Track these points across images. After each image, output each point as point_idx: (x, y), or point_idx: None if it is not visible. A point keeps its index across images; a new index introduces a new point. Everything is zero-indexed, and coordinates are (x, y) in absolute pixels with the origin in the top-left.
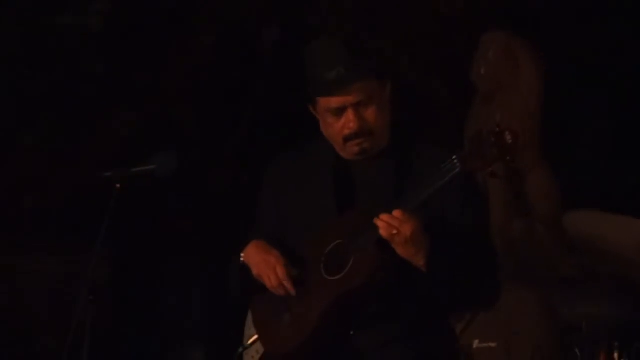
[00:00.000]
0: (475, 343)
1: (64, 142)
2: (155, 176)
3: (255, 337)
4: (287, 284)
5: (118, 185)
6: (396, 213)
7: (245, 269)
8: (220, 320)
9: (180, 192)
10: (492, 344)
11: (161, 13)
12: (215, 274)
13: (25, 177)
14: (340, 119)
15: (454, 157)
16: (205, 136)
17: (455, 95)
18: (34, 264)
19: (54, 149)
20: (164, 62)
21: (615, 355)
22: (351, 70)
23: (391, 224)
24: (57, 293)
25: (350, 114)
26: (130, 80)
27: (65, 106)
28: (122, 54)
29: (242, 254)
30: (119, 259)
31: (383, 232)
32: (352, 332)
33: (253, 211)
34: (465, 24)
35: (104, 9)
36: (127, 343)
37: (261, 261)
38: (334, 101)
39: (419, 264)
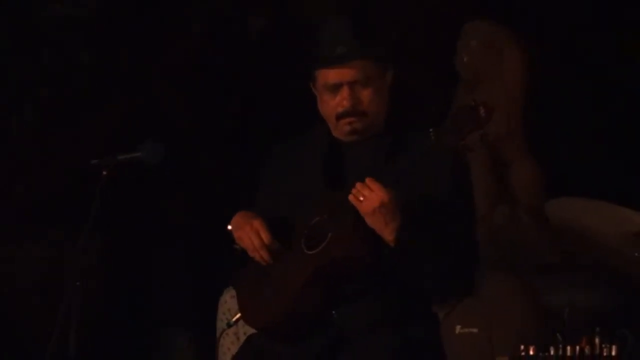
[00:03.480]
0: (457, 329)
1: (53, 131)
2: (141, 163)
3: (238, 315)
4: (272, 246)
5: (105, 173)
6: (367, 181)
7: (231, 237)
8: (205, 307)
9: (169, 179)
10: (474, 330)
11: (150, 2)
12: (202, 262)
13: (14, 166)
14: (336, 97)
15: (430, 130)
16: (194, 125)
17: (439, 84)
18: (22, 251)
19: (43, 138)
20: (152, 51)
21: (597, 341)
22: (352, 48)
23: (359, 191)
24: (45, 279)
25: (345, 92)
26: (118, 70)
27: (54, 95)
28: (111, 43)
29: (229, 226)
30: (108, 246)
31: (351, 197)
32: (333, 312)
33: (242, 199)
34: (449, 12)
35: None
36: (115, 329)
37: (244, 224)
38: (331, 76)
39: (387, 239)
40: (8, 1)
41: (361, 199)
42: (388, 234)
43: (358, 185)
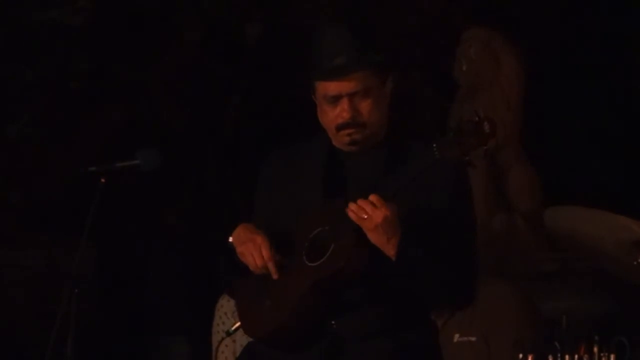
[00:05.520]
0: (456, 337)
1: (49, 138)
2: (139, 171)
3: (238, 324)
4: (271, 265)
5: (103, 180)
6: (372, 198)
7: (232, 250)
8: (203, 315)
9: (166, 186)
10: (472, 338)
11: (146, 9)
12: (199, 268)
13: (10, 172)
14: (336, 108)
15: (433, 145)
16: (190, 132)
17: (438, 92)
18: (18, 258)
19: (40, 145)
20: (149, 58)
21: (595, 349)
22: (352, 60)
23: (362, 209)
24: (41, 287)
25: (345, 104)
26: (115, 76)
27: (51, 102)
28: (107, 50)
29: (230, 238)
30: (104, 253)
31: (353, 216)
32: (333, 323)
33: (237, 205)
34: (447, 20)
35: (89, 5)
36: (112, 337)
37: (247, 240)
38: (331, 88)
39: (389, 253)
40: (4, 7)
41: (365, 216)
42: (390, 249)
43: (360, 202)
